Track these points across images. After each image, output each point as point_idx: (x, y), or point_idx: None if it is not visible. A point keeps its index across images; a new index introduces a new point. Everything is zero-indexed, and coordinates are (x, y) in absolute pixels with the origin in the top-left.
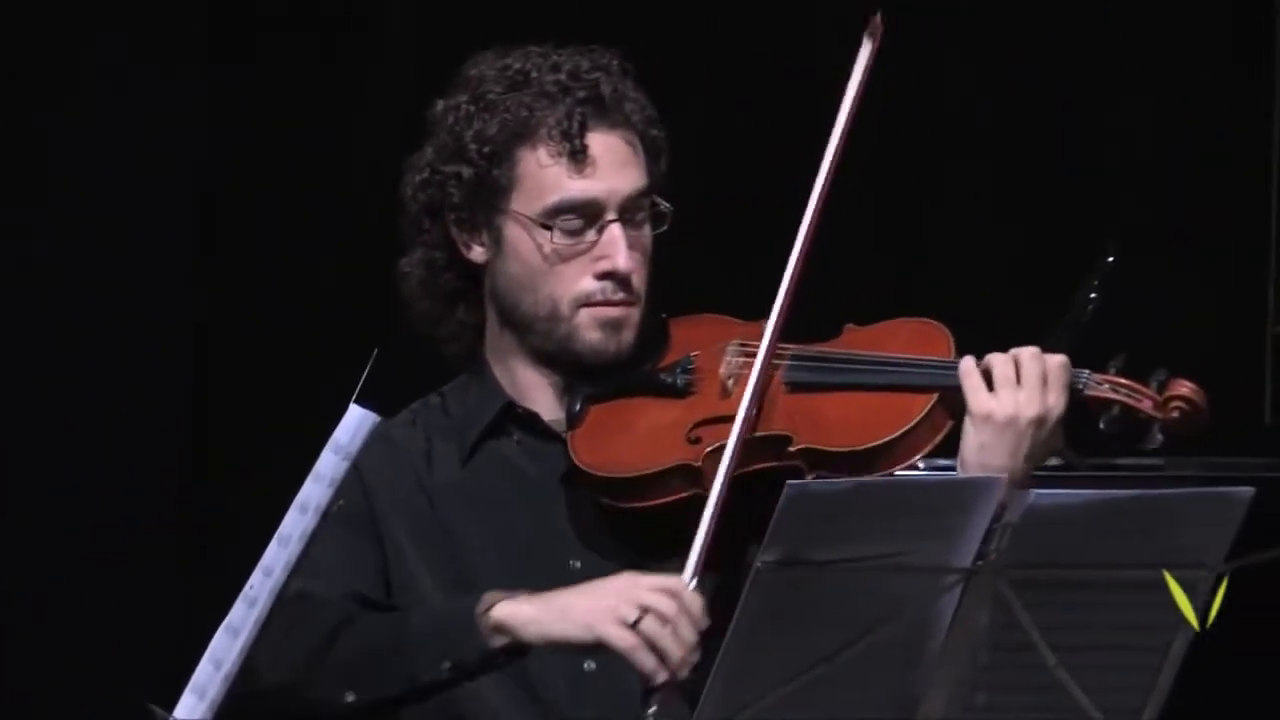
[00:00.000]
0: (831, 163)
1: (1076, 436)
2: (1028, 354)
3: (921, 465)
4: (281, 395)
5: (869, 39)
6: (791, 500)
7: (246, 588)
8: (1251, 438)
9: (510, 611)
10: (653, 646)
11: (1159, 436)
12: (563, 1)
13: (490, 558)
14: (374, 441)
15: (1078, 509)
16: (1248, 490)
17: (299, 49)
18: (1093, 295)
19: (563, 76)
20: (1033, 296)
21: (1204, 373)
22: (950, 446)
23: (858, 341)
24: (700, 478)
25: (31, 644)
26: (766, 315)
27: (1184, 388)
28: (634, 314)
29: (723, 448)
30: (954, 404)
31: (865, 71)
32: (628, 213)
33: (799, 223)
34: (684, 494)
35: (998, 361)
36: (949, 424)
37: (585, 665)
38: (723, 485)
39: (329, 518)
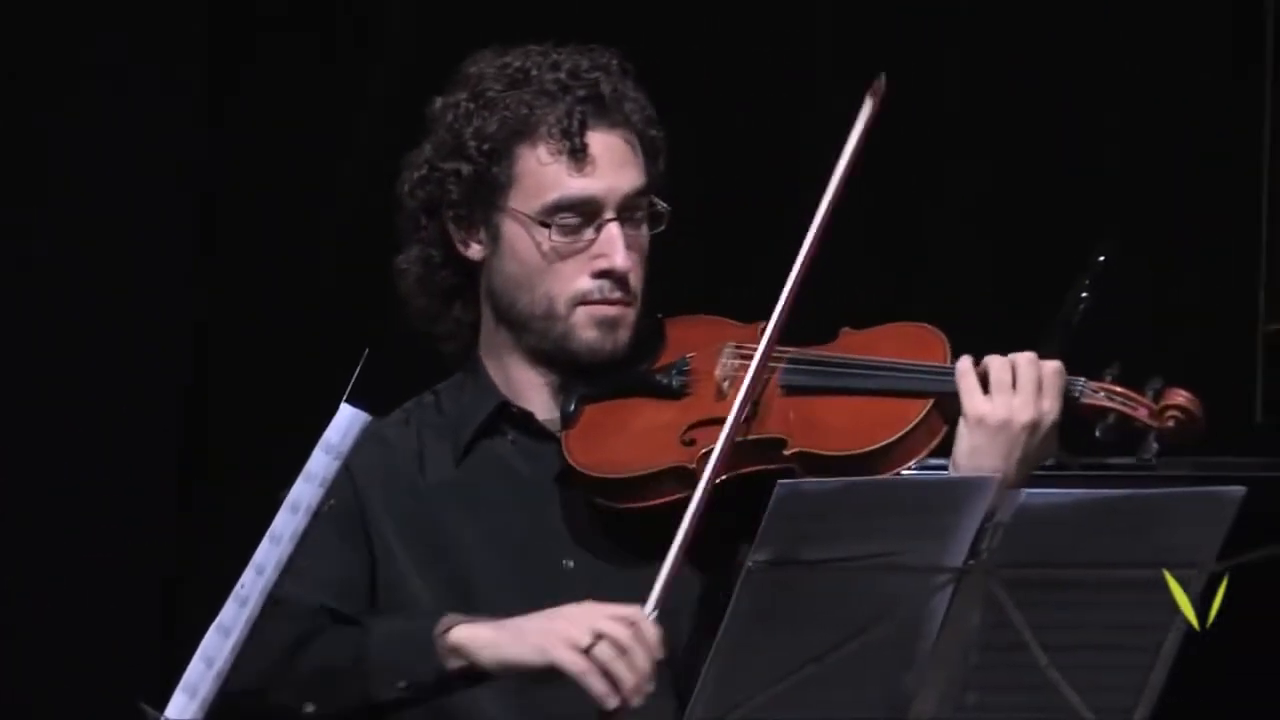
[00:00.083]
0: (825, 213)
1: (1071, 441)
2: (1024, 359)
3: (913, 465)
4: (281, 395)
5: (870, 98)
6: (782, 500)
7: (238, 587)
8: (1242, 437)
9: (468, 635)
10: (605, 672)
11: (1154, 445)
12: (563, 1)
13: (484, 557)
14: (366, 441)
15: (1069, 508)
16: (1239, 490)
17: (299, 49)
18: (1084, 295)
19: (563, 75)
20: (1030, 299)
21: (1195, 372)
22: (943, 447)
23: (854, 345)
24: (694, 479)
25: (31, 644)
26: (764, 318)
27: (1180, 396)
28: (630, 313)
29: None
30: (949, 409)
31: (864, 134)
32: (626, 212)
33: (799, 242)
34: (677, 495)
35: (994, 365)
36: (944, 429)
37: None
38: (703, 495)
39: (319, 518)
